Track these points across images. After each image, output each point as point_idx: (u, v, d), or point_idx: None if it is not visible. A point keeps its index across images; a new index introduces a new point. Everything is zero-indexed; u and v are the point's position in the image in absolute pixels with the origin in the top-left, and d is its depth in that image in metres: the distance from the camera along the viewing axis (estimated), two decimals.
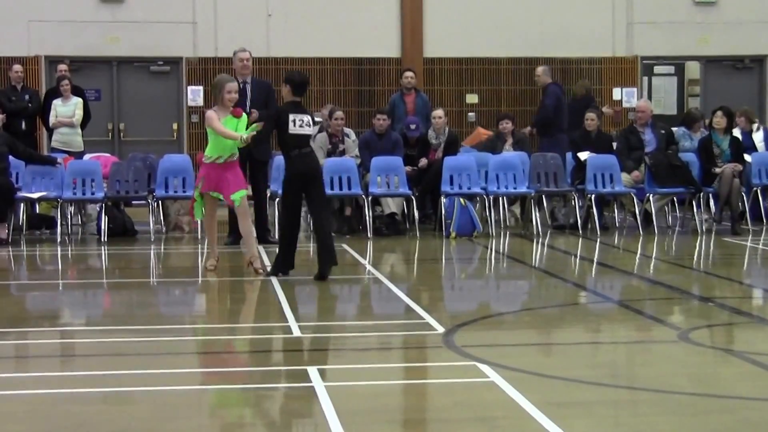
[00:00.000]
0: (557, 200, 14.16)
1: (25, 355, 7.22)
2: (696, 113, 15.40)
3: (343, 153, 13.44)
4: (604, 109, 15.72)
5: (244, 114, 10.01)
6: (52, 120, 14.32)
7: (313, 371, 6.18)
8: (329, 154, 13.35)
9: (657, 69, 19.21)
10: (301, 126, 9.53)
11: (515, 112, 16.89)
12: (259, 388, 6.09)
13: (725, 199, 13.19)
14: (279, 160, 13.36)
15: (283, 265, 9.69)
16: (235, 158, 9.88)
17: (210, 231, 10.17)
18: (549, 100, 14.59)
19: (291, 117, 9.49)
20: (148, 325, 7.86)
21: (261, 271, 9.73)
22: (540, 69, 15.12)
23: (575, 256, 11.76)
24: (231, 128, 9.74)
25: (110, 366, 6.56)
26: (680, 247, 12.47)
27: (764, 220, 13.54)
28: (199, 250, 12.12)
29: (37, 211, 13.48)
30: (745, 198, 13.39)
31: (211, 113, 9.75)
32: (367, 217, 12.80)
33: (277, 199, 12.68)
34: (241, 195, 9.78)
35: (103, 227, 12.49)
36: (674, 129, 14.64)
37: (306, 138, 9.73)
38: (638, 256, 11.75)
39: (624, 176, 13.42)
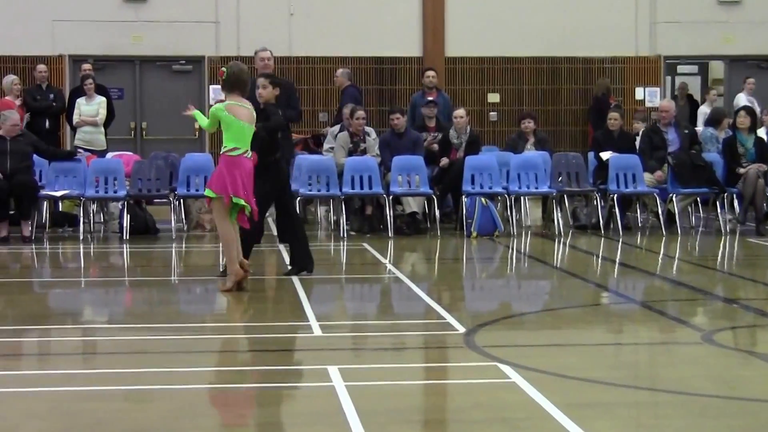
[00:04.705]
0: (579, 200, 14.09)
1: (47, 353, 7.25)
2: (722, 110, 15.30)
3: (364, 152, 13.42)
4: None
5: None
6: (75, 119, 14.41)
7: (333, 370, 6.17)
8: (350, 153, 13.35)
9: (680, 68, 19.09)
10: None
11: (537, 111, 16.85)
12: (279, 387, 6.09)
13: (749, 200, 13.09)
14: (300, 159, 13.41)
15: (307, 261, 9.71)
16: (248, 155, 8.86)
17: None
18: (343, 102, 14.47)
19: None
20: (169, 323, 7.88)
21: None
22: (339, 71, 15.20)
23: (597, 257, 11.70)
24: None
25: (131, 364, 6.59)
26: (704, 247, 12.38)
27: None
28: (220, 249, 12.13)
29: (60, 209, 13.55)
30: None
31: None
32: (388, 217, 12.79)
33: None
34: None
35: (125, 225, 12.53)
36: (700, 130, 14.51)
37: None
38: (661, 256, 11.67)
39: (647, 176, 13.34)
